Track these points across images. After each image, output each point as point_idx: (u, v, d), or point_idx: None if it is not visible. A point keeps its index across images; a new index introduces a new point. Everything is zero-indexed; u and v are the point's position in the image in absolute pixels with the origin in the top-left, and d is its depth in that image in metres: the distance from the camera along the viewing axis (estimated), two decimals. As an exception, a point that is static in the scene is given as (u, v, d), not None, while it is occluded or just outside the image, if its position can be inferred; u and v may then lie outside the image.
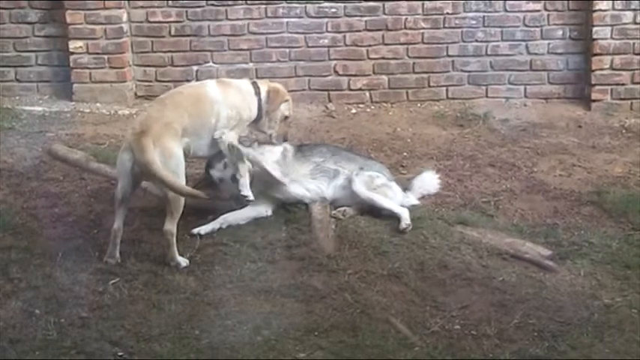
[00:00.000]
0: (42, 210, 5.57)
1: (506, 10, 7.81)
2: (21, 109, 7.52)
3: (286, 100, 5.55)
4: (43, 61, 7.89)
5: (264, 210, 5.46)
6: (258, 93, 5.40)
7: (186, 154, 4.98)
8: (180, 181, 4.84)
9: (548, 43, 7.84)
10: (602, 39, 7.65)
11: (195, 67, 7.82)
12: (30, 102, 7.74)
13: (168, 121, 4.91)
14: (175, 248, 4.84)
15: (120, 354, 4.02)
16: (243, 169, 5.24)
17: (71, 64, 7.71)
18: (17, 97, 7.82)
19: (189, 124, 5.02)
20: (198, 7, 7.75)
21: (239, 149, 5.25)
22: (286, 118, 5.57)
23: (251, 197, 5.25)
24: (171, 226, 4.84)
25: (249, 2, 7.74)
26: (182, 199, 4.84)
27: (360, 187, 5.54)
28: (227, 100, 5.23)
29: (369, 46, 7.82)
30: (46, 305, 4.41)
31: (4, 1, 7.76)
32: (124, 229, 4.93)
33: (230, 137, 5.19)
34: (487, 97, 7.91)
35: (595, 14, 7.62)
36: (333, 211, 5.50)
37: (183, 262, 4.85)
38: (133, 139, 4.81)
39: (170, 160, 4.79)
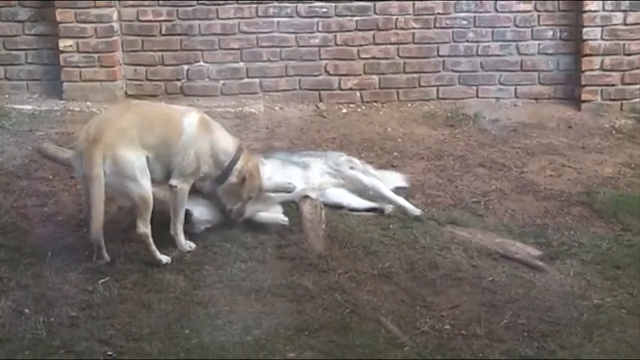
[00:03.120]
0: (31, 209, 5.56)
1: (496, 11, 7.82)
2: (10, 108, 7.49)
3: (257, 186, 5.19)
4: (33, 59, 7.86)
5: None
6: (234, 160, 5.07)
7: None
8: (98, 207, 4.61)
9: (539, 44, 7.85)
10: (593, 40, 7.68)
11: (185, 67, 7.81)
12: (20, 100, 7.71)
13: (125, 125, 4.76)
14: (154, 247, 4.81)
15: (109, 353, 4.02)
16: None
17: (61, 63, 7.69)
18: (7, 96, 7.79)
19: (150, 140, 4.82)
20: (189, 6, 7.73)
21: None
22: (250, 199, 5.20)
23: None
24: (144, 228, 4.78)
25: (239, 2, 7.73)
26: (151, 202, 4.77)
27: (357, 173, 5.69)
28: (197, 141, 4.95)
29: (360, 45, 7.83)
30: (35, 304, 4.40)
31: (-6, 0, 7.74)
32: (113, 227, 4.92)
33: (184, 190, 4.96)
34: (478, 97, 7.92)
35: (585, 15, 7.64)
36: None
37: (165, 259, 4.83)
38: (83, 147, 4.72)
39: (125, 167, 4.68)
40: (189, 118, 4.99)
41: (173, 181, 4.95)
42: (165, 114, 5.09)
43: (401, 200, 5.64)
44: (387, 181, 5.91)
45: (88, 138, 4.72)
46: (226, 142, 5.12)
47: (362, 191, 5.69)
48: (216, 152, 5.03)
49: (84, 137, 4.77)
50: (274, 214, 5.32)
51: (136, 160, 4.72)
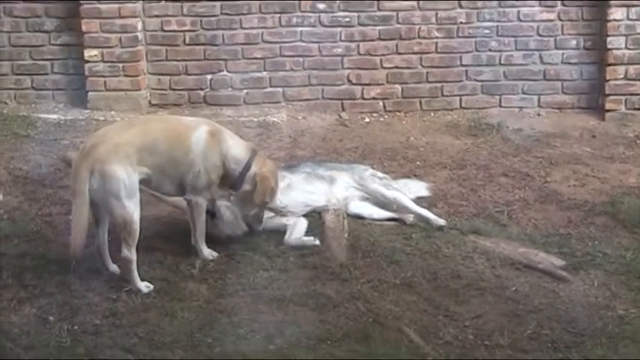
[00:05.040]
0: (56, 217, 5.60)
1: (520, 20, 7.81)
2: (36, 117, 7.56)
3: (271, 189, 5.13)
4: (58, 69, 7.93)
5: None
6: (247, 167, 5.01)
7: (146, 185, 4.84)
8: (80, 224, 4.53)
9: (562, 53, 7.83)
10: (617, 49, 7.64)
11: (209, 76, 7.85)
12: (45, 110, 7.78)
13: (119, 142, 4.65)
14: (135, 274, 4.64)
15: (133, 361, 4.04)
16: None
17: (86, 73, 7.76)
18: (33, 105, 7.86)
19: (153, 157, 4.73)
20: (213, 16, 7.78)
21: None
22: (266, 203, 5.16)
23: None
24: (128, 252, 4.62)
25: (263, 11, 7.77)
26: (137, 225, 4.62)
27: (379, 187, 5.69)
28: (206, 156, 4.88)
29: (383, 55, 7.84)
30: (59, 312, 4.43)
31: (21, 10, 7.82)
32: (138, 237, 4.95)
33: (199, 203, 4.94)
34: (500, 106, 7.90)
35: (609, 24, 7.61)
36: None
37: (145, 287, 4.65)
38: (76, 159, 4.71)
39: (110, 183, 4.55)
40: (198, 133, 4.88)
41: (188, 196, 4.94)
42: (171, 131, 4.93)
43: (424, 212, 5.64)
44: (410, 191, 5.91)
45: (81, 151, 4.69)
46: (237, 149, 5.03)
47: (386, 205, 5.70)
48: (228, 162, 4.98)
49: (80, 150, 4.75)
50: (304, 237, 5.28)
51: (125, 178, 4.58)
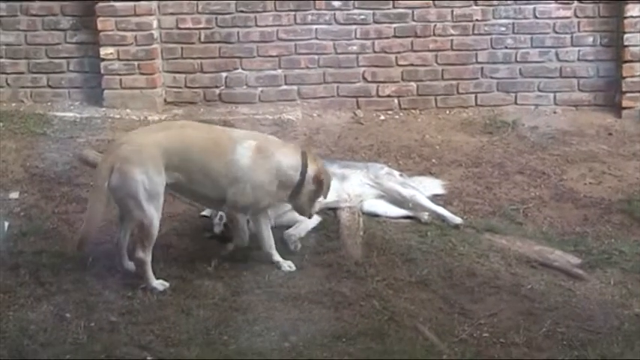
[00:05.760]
0: (72, 215, 5.63)
1: (535, 17, 7.77)
2: (52, 115, 7.59)
3: (330, 180, 5.03)
4: (74, 67, 7.96)
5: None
6: (304, 170, 4.81)
7: (179, 191, 4.82)
8: (92, 220, 4.58)
9: (579, 50, 7.78)
10: (634, 46, 7.58)
11: (224, 74, 7.85)
12: (61, 108, 7.81)
13: (145, 142, 4.61)
14: (149, 274, 4.63)
15: (149, 358, 4.05)
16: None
17: (102, 71, 7.78)
18: (49, 103, 7.89)
19: (185, 164, 4.63)
20: (228, 13, 7.79)
21: None
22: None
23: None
24: (142, 254, 4.60)
25: (278, 9, 7.77)
26: (155, 229, 4.58)
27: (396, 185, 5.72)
28: (255, 173, 4.69)
29: (398, 52, 7.82)
30: (76, 309, 4.46)
31: (37, 9, 7.85)
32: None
33: (238, 219, 4.79)
34: (516, 104, 7.87)
35: (626, 21, 7.56)
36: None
37: (160, 285, 4.65)
38: (101, 157, 4.70)
39: (129, 184, 4.50)
40: (243, 148, 4.69)
41: (230, 210, 4.80)
42: (211, 140, 4.75)
43: (441, 210, 5.63)
44: (425, 189, 5.90)
45: (109, 147, 4.70)
46: (289, 157, 4.82)
47: (402, 203, 5.70)
48: (283, 173, 4.77)
49: (108, 145, 4.75)
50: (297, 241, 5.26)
51: (144, 180, 4.52)
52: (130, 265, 4.82)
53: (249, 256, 5.02)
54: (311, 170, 4.84)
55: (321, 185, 4.88)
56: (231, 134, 4.92)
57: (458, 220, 5.54)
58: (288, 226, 5.30)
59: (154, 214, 4.57)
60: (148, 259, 4.64)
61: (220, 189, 4.72)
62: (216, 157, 4.70)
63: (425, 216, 5.60)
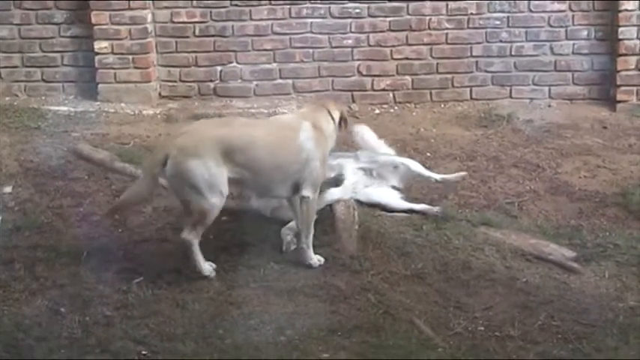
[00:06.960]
0: (67, 209, 5.62)
1: (530, 11, 7.78)
2: (47, 109, 7.58)
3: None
4: (68, 61, 7.94)
5: None
6: (337, 127, 5.08)
7: (242, 186, 4.84)
8: (127, 195, 4.76)
9: (573, 44, 7.79)
10: (628, 39, 7.60)
11: (219, 68, 7.85)
12: (56, 102, 7.80)
13: (204, 135, 4.64)
14: (197, 256, 4.64)
15: (144, 353, 4.04)
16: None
17: (96, 65, 7.76)
18: (43, 97, 7.88)
19: (249, 161, 4.66)
20: (223, 7, 7.77)
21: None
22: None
23: None
24: (189, 234, 4.62)
25: (273, 3, 7.76)
26: (211, 217, 4.60)
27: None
28: (319, 148, 4.85)
29: (393, 46, 7.81)
30: (71, 303, 4.45)
31: (31, 2, 7.83)
32: (150, 228, 4.97)
33: (314, 199, 4.89)
34: (511, 97, 7.88)
35: (621, 14, 7.57)
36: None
37: (207, 270, 4.70)
38: (159, 143, 4.76)
39: (188, 175, 4.53)
40: (304, 132, 4.83)
41: (305, 192, 4.83)
42: (274, 135, 4.83)
43: (428, 172, 5.77)
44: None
45: (168, 135, 4.77)
46: (329, 123, 5.02)
47: (399, 175, 5.75)
48: (331, 140, 5.02)
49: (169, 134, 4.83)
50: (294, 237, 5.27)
51: (204, 172, 4.53)
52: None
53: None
54: (338, 118, 5.06)
55: (346, 124, 5.15)
56: (288, 122, 5.02)
57: (438, 177, 5.75)
58: (284, 223, 5.28)
59: (215, 203, 4.59)
60: (196, 241, 4.63)
61: (291, 177, 4.81)
62: (285, 148, 4.79)
63: (434, 209, 5.56)
